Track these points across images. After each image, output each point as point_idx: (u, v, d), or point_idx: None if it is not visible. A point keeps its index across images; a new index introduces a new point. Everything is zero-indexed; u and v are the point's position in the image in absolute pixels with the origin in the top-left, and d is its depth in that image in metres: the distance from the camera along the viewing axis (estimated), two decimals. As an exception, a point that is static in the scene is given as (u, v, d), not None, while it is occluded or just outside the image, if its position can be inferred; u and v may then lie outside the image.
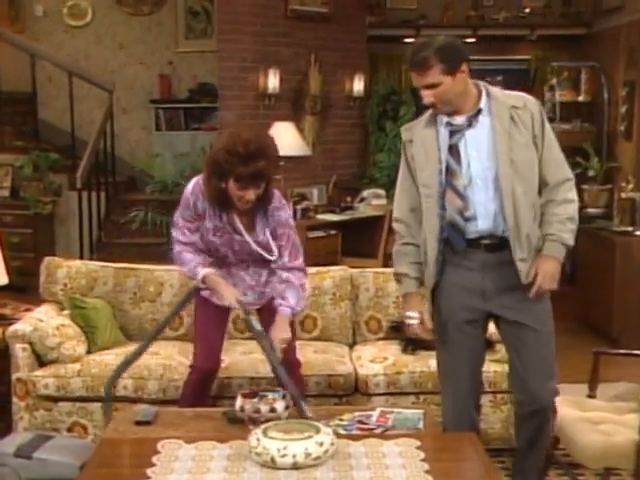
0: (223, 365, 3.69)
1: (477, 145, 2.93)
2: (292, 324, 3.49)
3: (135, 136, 8.61)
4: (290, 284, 3.38)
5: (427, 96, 2.89)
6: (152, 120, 8.54)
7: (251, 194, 3.19)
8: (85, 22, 8.53)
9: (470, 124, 2.94)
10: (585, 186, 6.62)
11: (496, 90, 3.00)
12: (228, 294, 3.29)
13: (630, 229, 6.02)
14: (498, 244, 2.97)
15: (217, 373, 3.63)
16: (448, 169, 2.94)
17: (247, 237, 3.36)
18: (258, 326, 3.23)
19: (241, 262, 3.45)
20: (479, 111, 2.94)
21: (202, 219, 3.35)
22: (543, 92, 7.78)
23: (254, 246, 3.36)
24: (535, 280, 2.91)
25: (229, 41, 6.66)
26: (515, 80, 8.30)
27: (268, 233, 3.37)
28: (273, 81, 6.71)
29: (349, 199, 7.05)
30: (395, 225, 3.17)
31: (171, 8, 8.55)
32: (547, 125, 2.99)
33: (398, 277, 3.17)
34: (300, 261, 3.45)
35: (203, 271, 3.33)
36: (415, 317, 3.11)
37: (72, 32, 8.53)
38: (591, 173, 6.80)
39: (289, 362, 3.40)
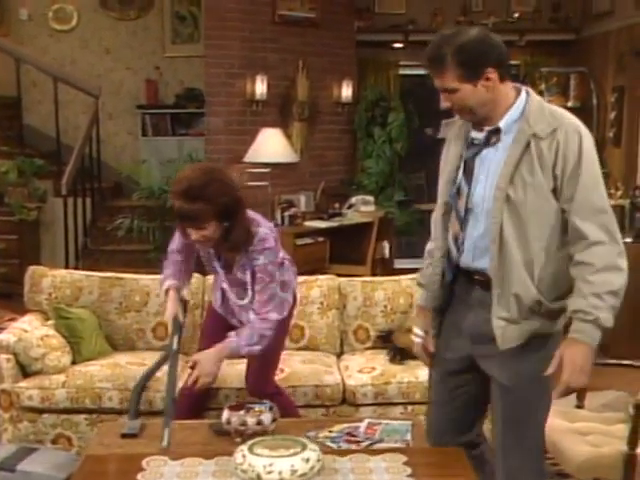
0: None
1: (488, 168, 2.42)
2: (264, 357, 3.43)
3: (121, 141, 8.56)
4: (250, 326, 3.26)
5: (443, 100, 2.42)
6: (138, 125, 8.49)
7: (194, 234, 3.10)
8: (70, 26, 8.47)
9: (488, 142, 2.44)
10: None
11: (537, 105, 2.41)
12: (168, 310, 3.32)
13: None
14: (487, 281, 2.47)
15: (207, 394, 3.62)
16: (458, 187, 2.50)
17: (221, 273, 3.34)
18: (174, 345, 3.24)
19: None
20: (498, 130, 2.42)
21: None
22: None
23: (225, 285, 3.35)
24: (561, 373, 2.34)
25: (216, 46, 6.64)
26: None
27: (249, 275, 3.26)
28: (260, 87, 6.69)
29: (337, 205, 7.03)
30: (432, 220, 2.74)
31: (157, 13, 8.51)
32: (588, 163, 2.34)
33: (418, 282, 2.79)
34: (270, 314, 3.26)
35: (167, 283, 3.37)
36: (419, 335, 2.73)
37: (57, 36, 8.47)
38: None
39: (260, 394, 3.37)
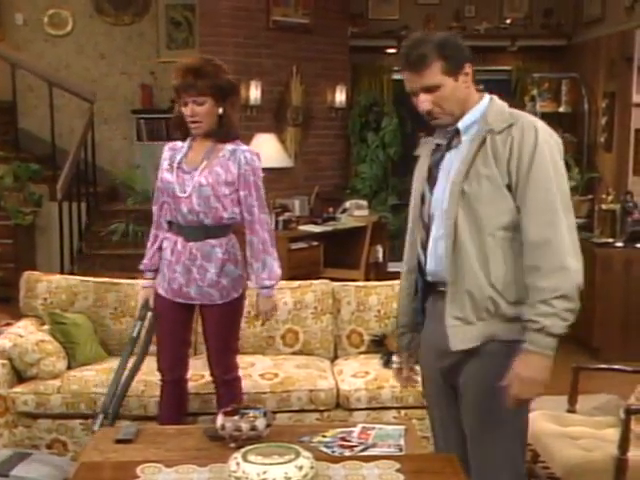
0: (203, 380, 3.68)
1: (448, 170, 2.40)
2: (226, 343, 3.51)
3: (116, 146, 8.58)
4: (250, 254, 3.41)
5: (424, 102, 2.36)
6: (133, 130, 8.50)
7: (191, 109, 3.27)
8: (66, 31, 8.49)
9: (449, 145, 2.43)
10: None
11: (498, 107, 2.41)
12: (140, 294, 3.61)
13: (610, 240, 6.06)
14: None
15: (187, 382, 3.63)
16: (423, 195, 2.48)
17: (184, 171, 3.37)
18: (134, 332, 3.58)
19: (190, 253, 3.39)
20: (457, 131, 2.41)
21: (163, 171, 3.43)
22: (524, 103, 7.84)
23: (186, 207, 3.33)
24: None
25: (211, 52, 6.64)
26: (496, 91, 8.37)
27: (229, 175, 3.33)
28: (255, 92, 6.72)
29: (331, 210, 7.06)
30: None
31: (152, 18, 8.53)
32: (540, 160, 2.28)
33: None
34: (263, 216, 3.42)
35: (145, 264, 3.53)
36: (396, 361, 2.73)
37: (53, 41, 8.49)
38: (572, 184, 6.83)
39: (226, 378, 3.49)
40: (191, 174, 3.34)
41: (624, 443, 2.98)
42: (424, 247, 2.44)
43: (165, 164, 3.43)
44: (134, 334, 3.57)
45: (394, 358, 2.74)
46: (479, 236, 2.31)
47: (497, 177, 2.29)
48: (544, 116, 7.49)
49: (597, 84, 7.12)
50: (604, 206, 6.33)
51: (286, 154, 6.73)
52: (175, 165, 3.38)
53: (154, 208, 3.50)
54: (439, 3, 8.11)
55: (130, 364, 3.64)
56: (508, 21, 7.94)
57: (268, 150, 6.42)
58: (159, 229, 3.50)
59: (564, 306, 2.23)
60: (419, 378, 2.67)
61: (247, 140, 6.41)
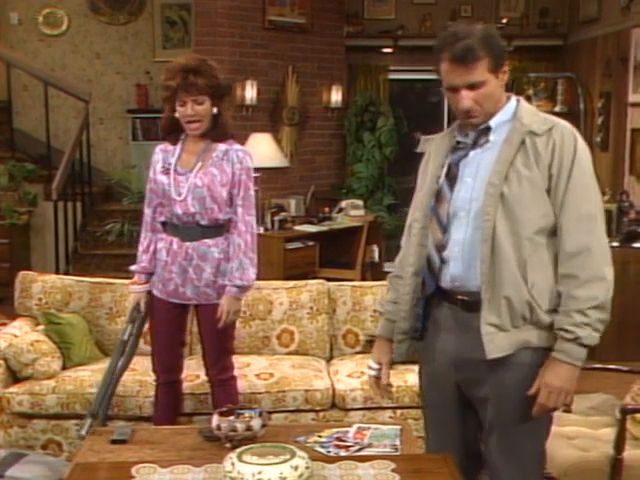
0: (198, 380, 3.67)
1: (475, 170, 2.30)
2: (222, 344, 3.47)
3: (112, 146, 8.58)
4: (233, 254, 3.36)
5: (466, 98, 2.23)
6: (129, 130, 8.50)
7: (190, 109, 3.25)
8: (61, 31, 8.48)
9: (476, 143, 2.33)
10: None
11: (529, 108, 2.35)
12: (131, 297, 3.54)
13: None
14: (474, 302, 2.30)
15: (181, 383, 3.63)
16: (439, 193, 2.36)
17: (178, 173, 3.35)
18: (125, 336, 3.49)
19: (186, 254, 3.37)
20: (488, 129, 2.31)
21: (156, 173, 3.41)
22: (520, 103, 7.85)
23: (188, 191, 3.31)
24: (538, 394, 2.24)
25: (206, 52, 6.64)
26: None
27: (224, 176, 3.33)
28: (250, 92, 6.71)
29: (327, 210, 7.06)
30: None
31: (148, 17, 8.52)
32: (580, 167, 2.24)
33: (379, 311, 2.68)
34: (249, 218, 3.38)
35: (135, 267, 3.51)
36: (373, 368, 2.58)
37: (48, 41, 8.48)
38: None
39: (222, 379, 3.48)
40: (186, 176, 3.33)
41: (620, 443, 2.98)
42: (440, 249, 2.32)
43: (158, 166, 3.41)
44: (124, 337, 3.53)
45: (371, 364, 2.60)
46: (517, 240, 2.22)
47: (539, 180, 2.22)
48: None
49: (593, 84, 7.12)
50: (600, 206, 6.32)
51: (282, 154, 6.72)
52: (170, 167, 3.37)
53: (147, 211, 3.47)
54: (435, 3, 8.12)
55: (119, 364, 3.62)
56: (504, 21, 7.94)
57: (264, 150, 6.42)
58: (152, 232, 3.46)
59: (598, 317, 2.21)
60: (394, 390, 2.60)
61: (243, 140, 6.41)
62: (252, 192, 3.40)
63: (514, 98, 2.35)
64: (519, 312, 2.24)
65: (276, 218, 6.55)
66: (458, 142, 2.37)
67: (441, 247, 2.31)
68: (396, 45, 7.99)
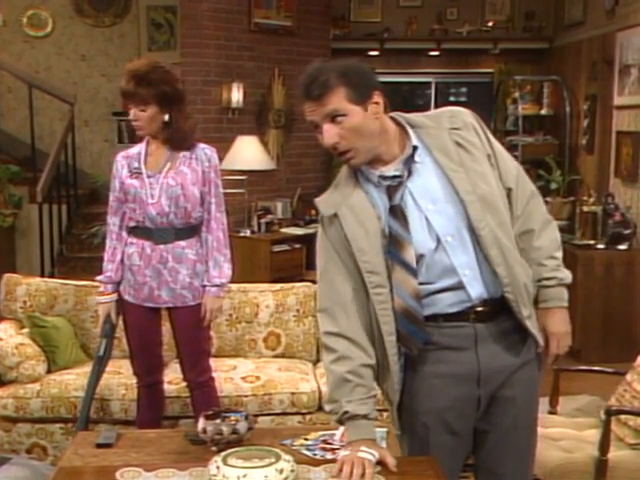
0: (184, 383, 3.66)
1: (429, 195, 2.13)
2: (199, 346, 3.48)
3: (97, 148, 8.54)
4: (208, 251, 3.39)
5: (328, 133, 2.07)
6: (114, 132, 8.45)
7: (134, 114, 3.28)
8: (45, 32, 8.43)
9: (410, 171, 2.13)
10: (548, 199, 6.69)
11: (416, 117, 2.21)
12: (101, 310, 3.48)
13: (592, 242, 6.08)
14: (491, 311, 2.18)
15: (162, 384, 3.63)
16: (393, 239, 2.11)
17: (147, 175, 3.35)
18: (101, 351, 3.49)
19: (160, 256, 3.37)
20: (414, 149, 2.13)
21: (123, 179, 3.40)
22: (506, 105, 7.89)
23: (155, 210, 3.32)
24: (548, 347, 2.27)
25: (192, 54, 6.64)
26: (479, 93, 8.42)
27: (195, 175, 3.35)
28: (236, 94, 6.69)
29: (314, 212, 7.04)
30: (328, 340, 2.23)
31: (133, 20, 8.49)
32: (490, 134, 2.26)
33: (346, 417, 2.25)
34: (221, 215, 3.44)
35: (99, 277, 3.47)
36: (368, 451, 2.24)
37: (32, 42, 8.43)
38: (553, 186, 6.89)
39: (200, 381, 3.48)
40: (156, 177, 3.33)
41: (605, 444, 3.00)
42: (417, 296, 2.11)
43: (124, 172, 3.40)
44: (100, 353, 3.51)
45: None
46: (505, 227, 2.19)
47: (487, 165, 2.18)
48: (526, 118, 7.56)
49: (578, 87, 7.16)
50: (585, 208, 6.36)
51: (268, 156, 6.71)
52: (139, 170, 3.36)
53: (113, 219, 3.45)
54: (421, 5, 8.14)
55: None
56: (490, 24, 7.98)
57: (250, 153, 6.42)
58: (117, 241, 3.44)
59: (561, 254, 2.29)
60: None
61: (229, 143, 6.43)
62: (221, 189, 3.44)
63: (394, 115, 2.21)
64: (531, 295, 2.24)
65: (262, 221, 6.56)
66: (386, 184, 2.14)
67: (417, 290, 2.11)
68: (382, 48, 8.00)
